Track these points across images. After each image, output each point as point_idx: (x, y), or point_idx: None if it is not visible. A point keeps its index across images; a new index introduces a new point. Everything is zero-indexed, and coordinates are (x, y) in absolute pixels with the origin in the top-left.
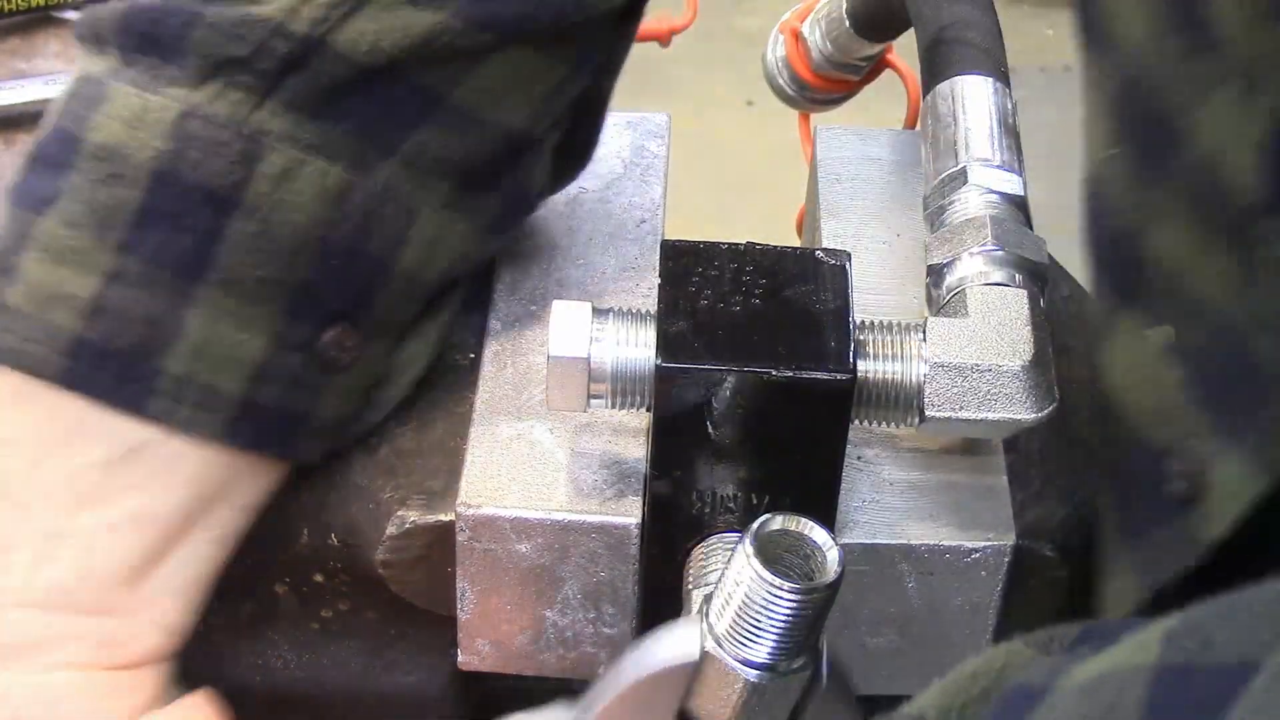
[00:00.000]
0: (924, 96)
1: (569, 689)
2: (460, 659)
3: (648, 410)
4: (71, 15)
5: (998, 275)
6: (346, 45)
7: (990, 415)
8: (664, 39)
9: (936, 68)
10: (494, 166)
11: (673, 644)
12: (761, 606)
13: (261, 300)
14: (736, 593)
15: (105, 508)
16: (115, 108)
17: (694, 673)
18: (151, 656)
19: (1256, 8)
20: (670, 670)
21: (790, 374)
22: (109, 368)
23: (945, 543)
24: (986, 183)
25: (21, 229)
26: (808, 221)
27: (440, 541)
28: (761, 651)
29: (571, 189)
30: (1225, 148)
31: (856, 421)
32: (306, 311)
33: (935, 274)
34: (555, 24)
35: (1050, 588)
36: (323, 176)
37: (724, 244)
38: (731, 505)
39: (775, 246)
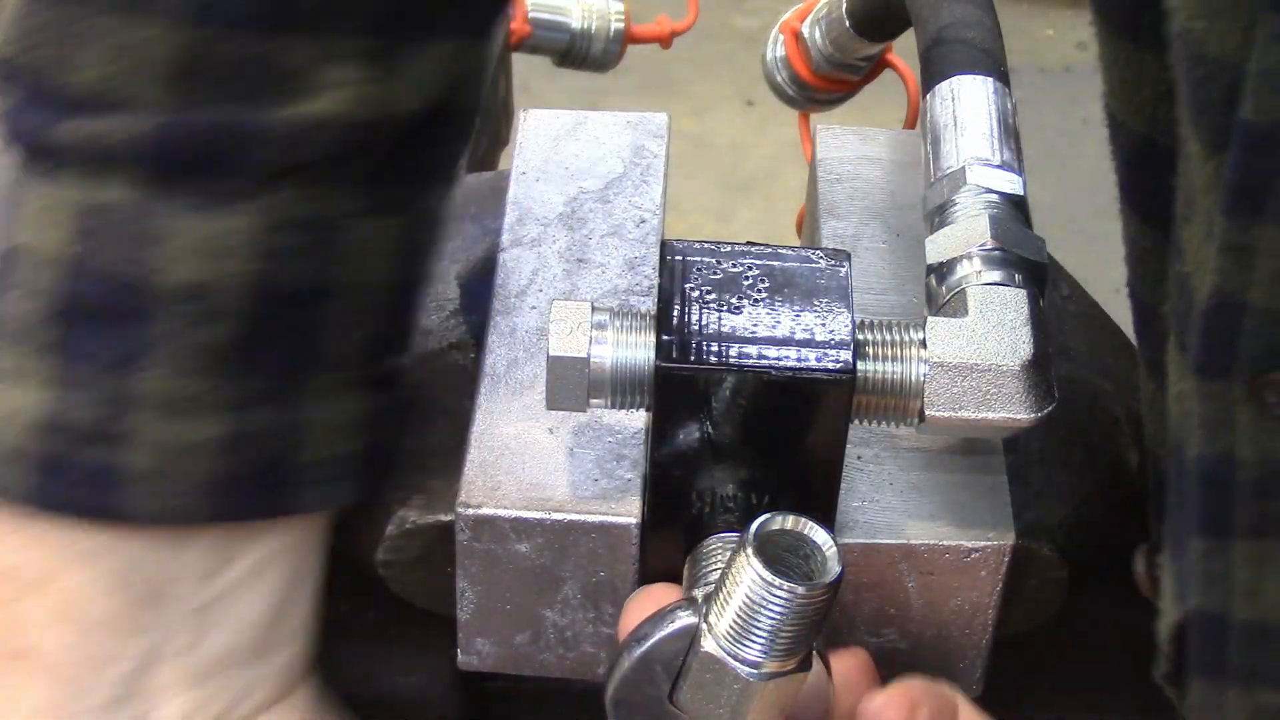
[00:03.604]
0: (924, 96)
1: (568, 689)
2: (460, 659)
3: (647, 410)
4: None
5: (998, 275)
6: (403, 105)
7: (990, 415)
8: (665, 41)
9: (936, 68)
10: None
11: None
12: (762, 606)
13: (361, 362)
14: (736, 592)
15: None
16: (183, 241)
17: (687, 657)
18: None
19: None
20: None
21: (790, 374)
22: (257, 488)
23: (945, 543)
24: (986, 183)
25: (115, 392)
26: (808, 221)
27: (440, 541)
28: (761, 651)
29: (572, 189)
30: None
31: (856, 421)
32: (390, 353)
33: (935, 273)
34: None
35: (1050, 588)
36: (391, 230)
37: (724, 244)
38: (731, 505)
39: (775, 246)
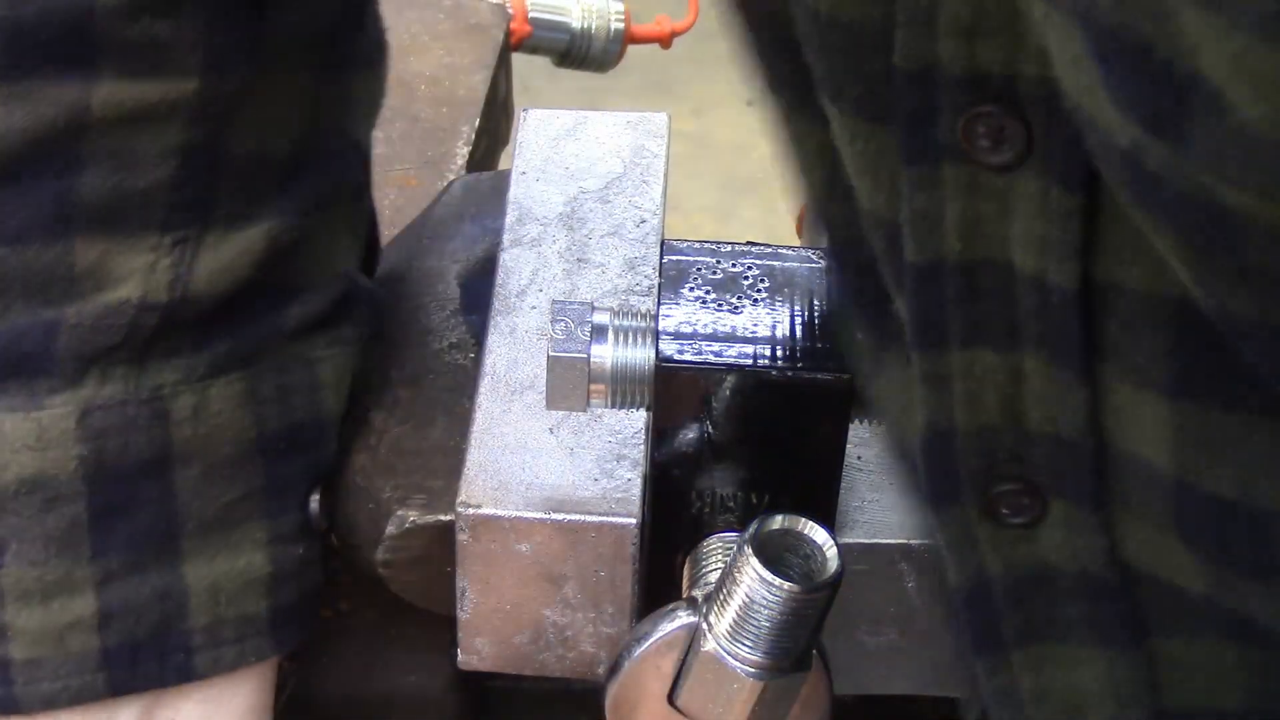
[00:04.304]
0: None
1: (568, 689)
2: (460, 659)
3: (647, 410)
4: None
5: None
6: (205, 289)
7: None
8: (665, 41)
9: None
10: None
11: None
12: (762, 606)
13: (241, 520)
14: (736, 592)
15: None
16: (10, 440)
17: (687, 657)
18: None
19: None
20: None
21: (790, 374)
22: (145, 657)
23: None
24: None
25: None
26: (807, 221)
27: (440, 541)
28: (761, 651)
29: (572, 189)
30: None
31: (856, 421)
32: (286, 504)
33: None
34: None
35: None
36: (228, 389)
37: (724, 244)
38: (731, 505)
39: (775, 246)
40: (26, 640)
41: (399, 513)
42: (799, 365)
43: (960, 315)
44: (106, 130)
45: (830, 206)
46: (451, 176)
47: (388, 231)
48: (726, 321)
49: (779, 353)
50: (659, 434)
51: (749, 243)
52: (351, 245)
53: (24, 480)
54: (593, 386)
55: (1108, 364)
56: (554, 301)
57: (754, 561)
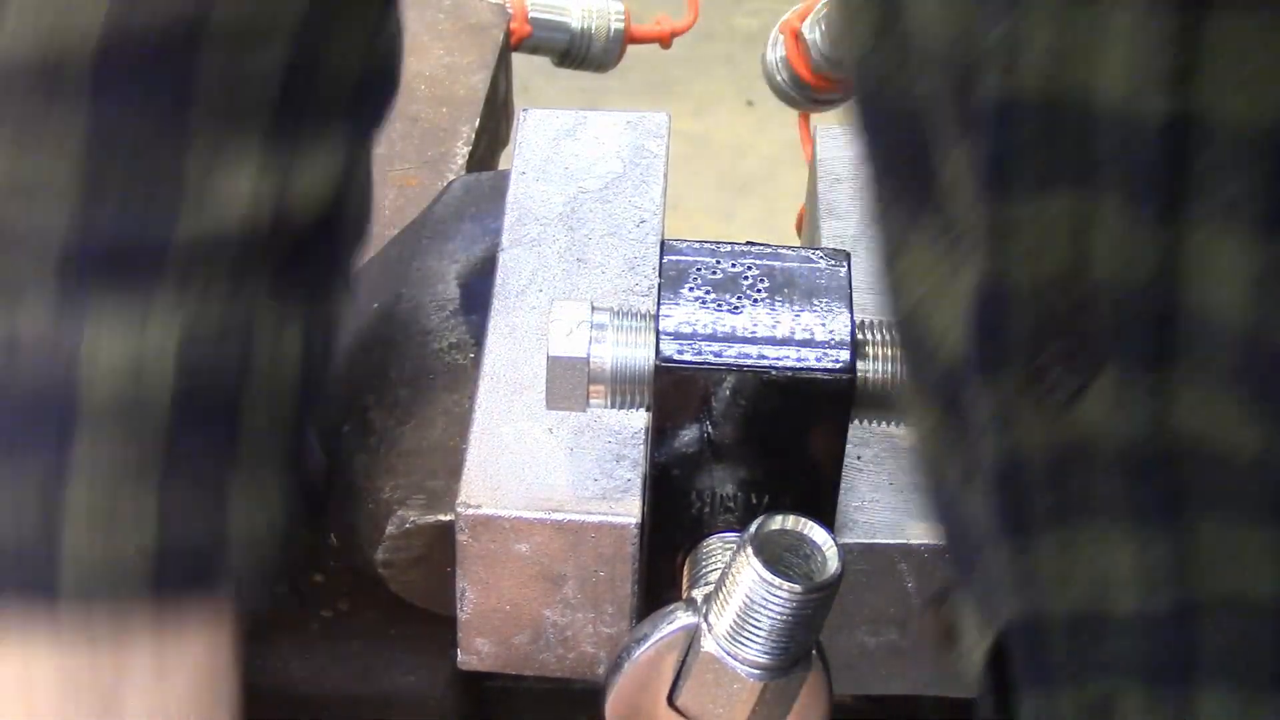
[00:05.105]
0: None
1: (568, 689)
2: (459, 659)
3: (647, 410)
4: None
5: None
6: (298, 213)
7: None
8: (664, 41)
9: None
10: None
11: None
12: (762, 606)
13: (275, 469)
14: (736, 592)
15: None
16: (106, 357)
17: (687, 657)
18: None
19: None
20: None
21: (790, 373)
22: (180, 570)
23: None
24: None
25: (41, 509)
26: (808, 221)
27: (440, 541)
28: (762, 651)
29: (571, 189)
30: (927, 301)
31: (856, 421)
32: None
33: None
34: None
35: None
36: (293, 336)
37: (724, 244)
38: (731, 505)
39: (775, 246)
40: (80, 569)
41: (399, 513)
42: (799, 365)
43: (1036, 156)
44: (220, 45)
45: (876, 56)
46: (451, 176)
47: (387, 231)
48: (726, 321)
49: (779, 353)
50: (659, 434)
51: (749, 243)
52: (368, 192)
53: (111, 402)
54: (592, 387)
55: (1193, 202)
56: (554, 301)
57: (754, 562)
